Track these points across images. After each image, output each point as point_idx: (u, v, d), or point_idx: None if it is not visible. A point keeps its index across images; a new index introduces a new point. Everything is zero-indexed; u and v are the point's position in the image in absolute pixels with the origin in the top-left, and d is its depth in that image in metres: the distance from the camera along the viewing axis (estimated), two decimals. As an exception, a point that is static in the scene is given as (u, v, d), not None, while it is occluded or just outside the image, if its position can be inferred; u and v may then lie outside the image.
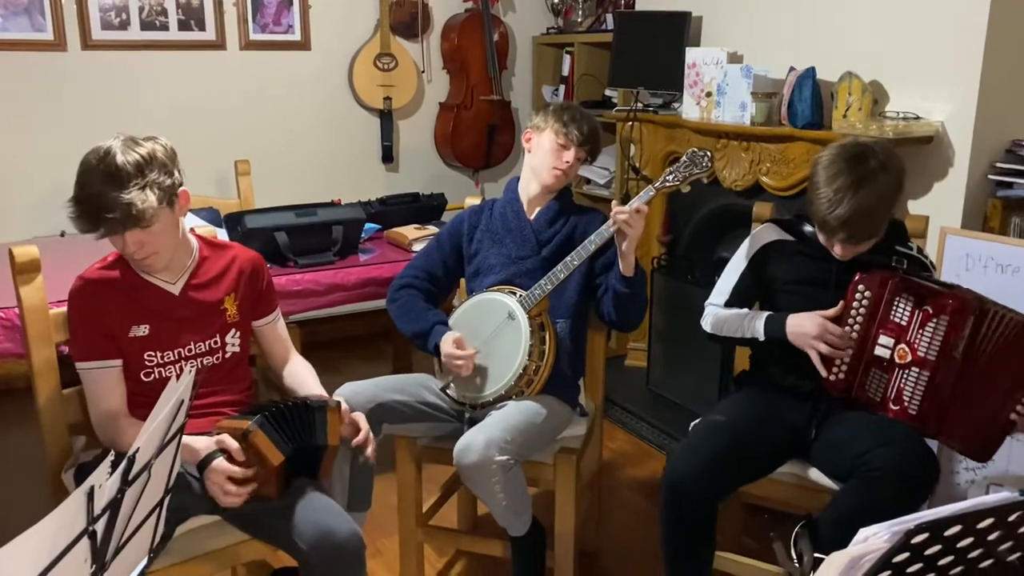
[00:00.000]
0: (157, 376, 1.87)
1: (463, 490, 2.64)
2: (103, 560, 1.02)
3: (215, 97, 4.04)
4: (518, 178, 2.40)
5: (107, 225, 1.70)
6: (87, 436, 1.94)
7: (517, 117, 4.74)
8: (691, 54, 3.37)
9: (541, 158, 2.28)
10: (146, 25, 3.82)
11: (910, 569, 1.03)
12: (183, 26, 3.91)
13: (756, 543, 2.45)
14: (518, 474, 2.06)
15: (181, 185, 1.80)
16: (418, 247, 3.00)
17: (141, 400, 1.84)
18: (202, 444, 1.72)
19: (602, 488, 2.72)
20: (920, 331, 1.89)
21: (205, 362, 1.91)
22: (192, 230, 1.98)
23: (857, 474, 1.83)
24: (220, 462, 1.69)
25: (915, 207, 2.76)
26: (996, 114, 2.63)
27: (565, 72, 4.66)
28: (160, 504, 1.27)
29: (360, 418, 1.92)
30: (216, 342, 1.93)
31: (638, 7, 3.97)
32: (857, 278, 1.95)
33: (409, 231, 3.15)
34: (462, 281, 2.46)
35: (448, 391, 2.22)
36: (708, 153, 2.21)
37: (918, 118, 2.72)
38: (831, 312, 1.97)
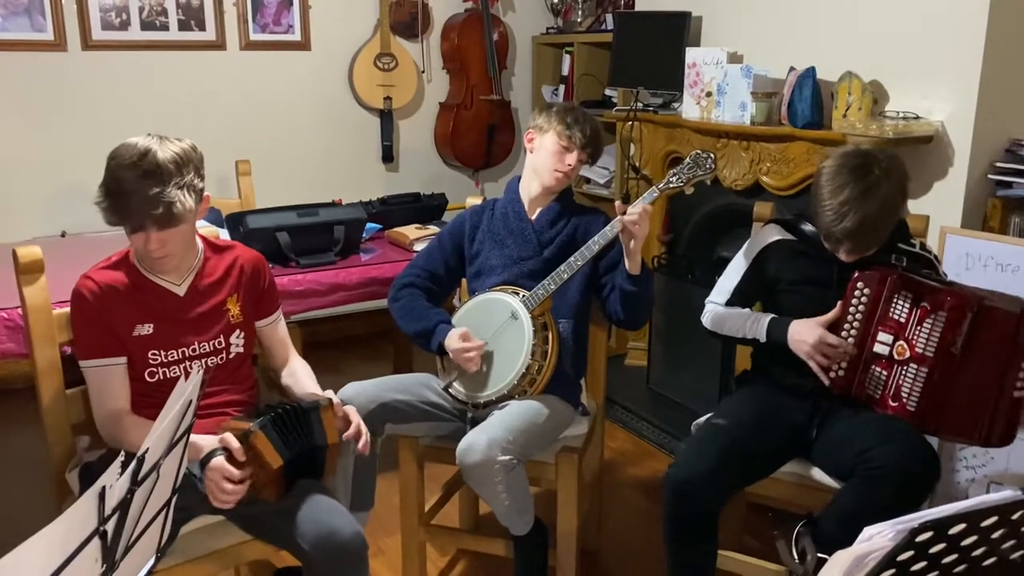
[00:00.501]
0: (162, 376, 1.87)
1: (465, 489, 2.65)
2: (113, 560, 1.02)
3: (215, 97, 4.04)
4: (519, 178, 2.40)
5: (140, 220, 1.71)
6: (91, 436, 1.94)
7: (517, 117, 4.75)
8: (691, 54, 3.38)
9: (543, 159, 2.28)
10: (146, 25, 3.83)
11: (914, 567, 1.03)
12: (183, 26, 3.91)
13: (758, 542, 2.46)
14: (520, 473, 2.06)
15: (204, 189, 1.82)
16: (419, 247, 3.00)
17: (146, 401, 1.85)
18: (206, 442, 1.72)
19: (603, 487, 2.73)
20: (918, 328, 1.90)
21: (209, 362, 1.92)
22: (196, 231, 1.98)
23: (858, 472, 1.84)
24: (219, 460, 1.70)
25: (915, 207, 2.77)
26: (996, 114, 2.63)
27: (565, 72, 4.67)
28: (168, 504, 1.28)
29: (352, 412, 1.92)
30: (220, 342, 1.94)
31: (638, 7, 3.98)
32: (856, 276, 1.97)
33: (410, 231, 3.16)
34: (463, 281, 2.47)
35: (451, 390, 2.23)
36: (712, 155, 2.21)
37: (918, 118, 2.73)
38: (831, 315, 1.98)
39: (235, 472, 1.69)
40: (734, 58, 3.28)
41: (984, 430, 1.91)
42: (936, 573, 1.06)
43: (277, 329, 2.10)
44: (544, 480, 2.27)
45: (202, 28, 3.95)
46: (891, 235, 2.03)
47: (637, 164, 3.74)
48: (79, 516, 0.93)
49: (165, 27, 3.87)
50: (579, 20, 4.57)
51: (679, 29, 3.55)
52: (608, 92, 4.30)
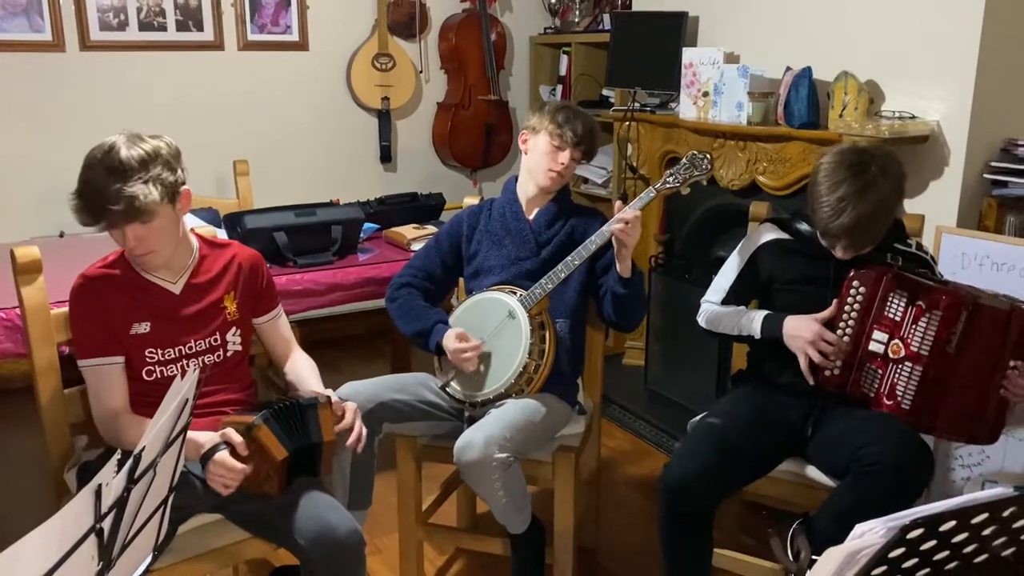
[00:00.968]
0: (159, 375, 1.88)
1: (463, 488, 2.65)
2: (110, 557, 1.03)
3: (213, 97, 4.05)
4: (516, 178, 2.41)
5: (109, 218, 1.71)
6: (89, 435, 1.95)
7: (515, 117, 4.75)
8: (688, 54, 3.38)
9: (537, 159, 2.29)
10: (144, 26, 3.83)
11: (906, 564, 1.04)
12: (181, 27, 3.91)
13: (755, 540, 2.46)
14: (518, 471, 2.07)
15: (184, 183, 1.82)
16: (417, 247, 3.01)
17: (144, 400, 1.85)
18: (205, 438, 1.73)
19: (600, 486, 2.74)
20: (914, 326, 1.91)
21: (206, 360, 1.92)
22: (192, 230, 1.99)
23: (853, 470, 1.85)
24: (223, 454, 1.71)
25: (911, 206, 2.78)
26: (991, 113, 2.64)
27: (562, 72, 4.67)
28: (165, 502, 1.28)
29: (351, 408, 1.93)
30: (216, 340, 1.94)
31: (635, 7, 3.98)
32: (852, 275, 1.97)
33: (408, 231, 3.16)
34: (460, 281, 2.48)
35: (448, 389, 2.24)
36: (708, 156, 2.22)
37: (914, 117, 2.73)
38: (826, 313, 1.99)
39: (239, 466, 1.70)
40: (730, 58, 3.28)
41: (971, 427, 1.92)
42: (927, 570, 1.07)
43: (278, 325, 2.11)
44: (541, 479, 2.28)
45: (200, 29, 3.95)
46: (887, 234, 2.04)
47: (634, 164, 3.74)
48: (75, 513, 0.93)
49: (163, 28, 3.87)
50: (576, 20, 4.58)
51: (676, 29, 3.55)
52: (605, 92, 4.30)
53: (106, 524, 0.99)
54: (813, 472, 2.05)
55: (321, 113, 4.33)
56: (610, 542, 2.72)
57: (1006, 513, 1.04)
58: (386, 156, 4.50)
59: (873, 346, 1.95)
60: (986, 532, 1.06)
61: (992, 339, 1.87)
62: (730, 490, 2.03)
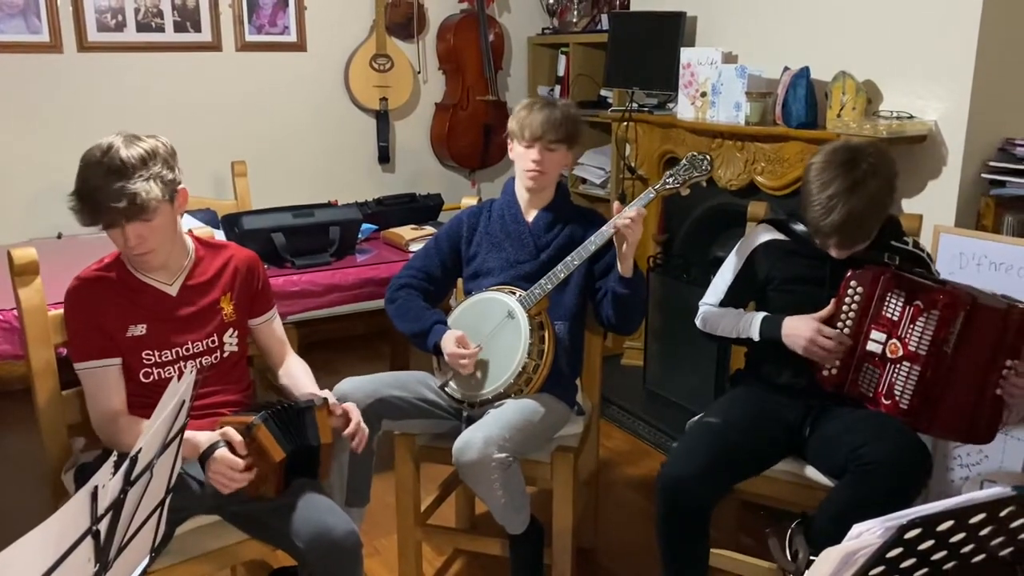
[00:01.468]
0: (156, 377, 1.88)
1: (461, 489, 2.65)
2: (106, 559, 1.03)
3: (211, 98, 4.04)
4: (515, 178, 2.41)
5: (110, 216, 1.71)
6: (86, 437, 1.95)
7: (513, 117, 4.74)
8: (686, 54, 3.38)
9: (517, 163, 2.30)
10: (142, 27, 3.83)
11: (903, 564, 1.04)
12: (179, 28, 3.91)
13: (753, 540, 2.46)
14: (517, 472, 2.07)
15: (181, 183, 1.82)
16: (415, 247, 3.01)
17: (141, 401, 1.85)
18: (204, 437, 1.73)
19: (599, 486, 2.74)
20: (912, 326, 1.91)
21: (203, 361, 1.92)
22: (189, 231, 1.99)
23: (851, 470, 1.85)
24: (223, 452, 1.71)
25: (909, 206, 2.78)
26: (989, 113, 2.64)
27: (560, 72, 4.67)
28: (162, 504, 1.28)
29: (352, 409, 1.93)
30: (214, 341, 1.94)
31: (633, 7, 3.98)
32: (849, 274, 1.97)
33: (406, 231, 3.16)
34: (459, 281, 2.47)
35: (447, 389, 2.23)
36: (708, 157, 2.22)
37: (911, 117, 2.74)
38: (824, 312, 1.99)
39: (239, 461, 1.70)
40: (728, 58, 3.28)
41: (967, 427, 1.92)
42: (925, 570, 1.07)
43: (273, 327, 2.10)
44: (540, 479, 2.27)
45: (198, 29, 3.95)
46: (884, 233, 2.04)
47: (633, 164, 3.74)
48: (71, 515, 0.93)
49: (161, 28, 3.87)
50: (574, 21, 4.57)
51: (674, 29, 3.55)
52: (604, 92, 4.30)
53: (102, 526, 0.99)
54: (811, 472, 2.05)
55: (319, 114, 4.32)
56: (609, 542, 2.72)
57: (1004, 513, 1.04)
58: (384, 157, 4.50)
59: (871, 346, 1.95)
60: (984, 532, 1.06)
61: (988, 338, 1.87)
62: (727, 489, 2.03)
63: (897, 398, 1.92)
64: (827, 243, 1.97)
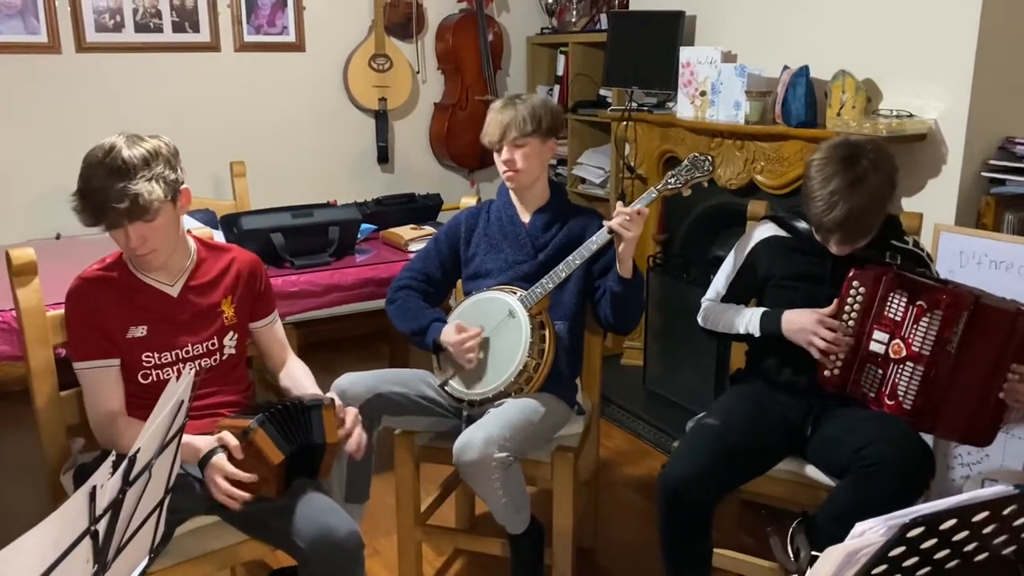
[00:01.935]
0: (155, 378, 1.87)
1: (461, 489, 2.65)
2: (105, 560, 1.02)
3: (210, 99, 4.04)
4: None
5: (113, 216, 1.71)
6: (85, 438, 1.94)
7: (512, 117, 4.74)
8: (685, 53, 3.38)
9: (497, 166, 2.30)
10: (140, 27, 3.82)
11: (906, 563, 1.03)
12: (177, 28, 3.90)
13: (754, 540, 2.46)
14: (517, 471, 2.07)
15: (183, 183, 1.82)
16: (414, 247, 3.00)
17: (139, 402, 1.85)
18: (203, 442, 1.73)
19: (599, 486, 2.73)
20: (915, 326, 1.90)
21: (203, 363, 1.92)
22: (189, 232, 1.98)
23: (853, 469, 1.85)
24: (219, 458, 1.70)
25: (909, 204, 2.78)
26: (989, 111, 2.64)
27: (560, 72, 4.66)
28: (160, 504, 1.28)
29: (350, 412, 1.92)
30: (214, 344, 1.94)
31: (632, 7, 3.98)
32: (852, 274, 1.97)
33: (405, 231, 3.16)
34: (459, 283, 2.47)
35: (447, 388, 2.23)
36: (710, 157, 2.22)
37: (911, 116, 2.73)
38: (827, 310, 1.98)
39: (235, 471, 1.70)
40: (728, 57, 3.28)
41: (968, 428, 1.91)
42: (928, 569, 1.06)
43: (274, 330, 2.10)
44: (540, 479, 2.27)
45: (196, 30, 3.94)
46: (885, 232, 2.04)
47: (632, 164, 3.74)
48: (70, 516, 0.93)
49: (159, 29, 3.86)
50: (573, 20, 4.57)
51: (673, 29, 3.55)
52: (603, 92, 4.30)
53: (101, 526, 0.99)
54: (812, 471, 2.04)
55: (318, 114, 4.32)
56: (609, 542, 2.72)
57: (1006, 511, 1.04)
58: (383, 157, 4.49)
59: (874, 346, 1.95)
60: (987, 530, 1.05)
61: (996, 340, 1.86)
62: (729, 488, 2.03)
63: (900, 398, 1.92)
64: (829, 239, 1.97)
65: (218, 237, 2.81)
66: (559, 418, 2.24)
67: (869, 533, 1.00)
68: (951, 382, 1.89)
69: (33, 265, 1.88)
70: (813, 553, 1.78)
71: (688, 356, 3.42)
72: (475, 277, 2.35)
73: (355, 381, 2.15)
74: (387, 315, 2.36)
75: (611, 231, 2.13)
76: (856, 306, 1.97)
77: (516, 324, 2.17)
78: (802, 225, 2.11)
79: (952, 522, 1.01)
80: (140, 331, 1.85)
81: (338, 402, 1.91)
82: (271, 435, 1.75)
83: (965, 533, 1.04)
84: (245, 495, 1.71)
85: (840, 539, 1.02)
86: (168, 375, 1.88)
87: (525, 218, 2.34)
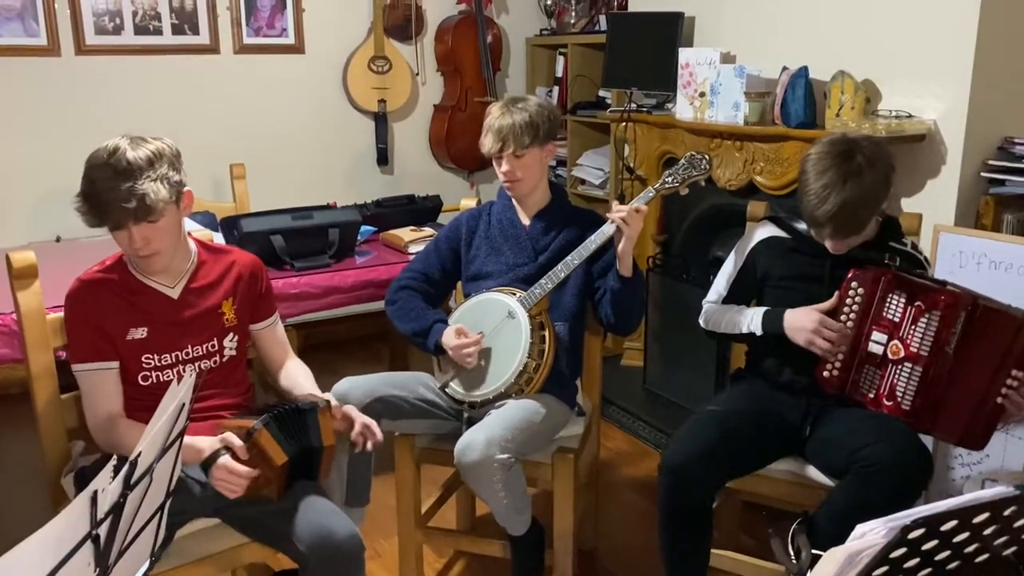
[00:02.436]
0: (155, 380, 1.87)
1: (462, 491, 2.65)
2: (106, 564, 1.02)
3: (209, 101, 4.04)
4: None
5: (117, 217, 1.71)
6: (86, 441, 1.94)
7: (511, 118, 4.74)
8: (684, 54, 3.38)
9: (496, 171, 2.30)
10: (140, 30, 3.82)
11: (907, 564, 1.03)
12: (177, 30, 3.91)
13: (754, 541, 2.46)
14: (519, 472, 2.07)
15: (186, 185, 1.82)
16: (414, 249, 3.01)
17: (139, 404, 1.85)
18: (206, 443, 1.72)
19: (600, 487, 2.73)
20: (913, 327, 1.90)
21: (203, 365, 1.92)
22: (190, 234, 1.99)
23: (852, 470, 1.85)
24: (226, 459, 1.70)
25: (908, 205, 2.78)
26: (988, 111, 2.64)
27: (559, 74, 4.67)
28: (162, 507, 1.28)
29: (353, 411, 1.92)
30: (214, 346, 1.94)
31: (631, 8, 3.98)
32: (851, 275, 1.97)
33: (405, 233, 3.16)
34: (459, 284, 2.47)
35: (447, 390, 2.23)
36: (707, 156, 2.22)
37: (910, 116, 2.74)
38: (826, 305, 1.99)
39: (242, 469, 1.70)
40: (727, 58, 3.28)
41: (964, 430, 1.91)
42: (929, 570, 1.06)
43: (275, 332, 2.10)
44: (540, 480, 2.27)
45: (196, 32, 3.95)
46: (883, 234, 2.04)
47: (631, 165, 3.74)
48: (71, 519, 0.93)
49: (159, 31, 3.87)
50: (572, 22, 4.57)
51: (672, 30, 3.56)
52: (602, 93, 4.30)
53: (102, 530, 0.99)
54: (812, 472, 2.05)
55: (317, 116, 4.32)
56: (609, 543, 2.72)
57: (1007, 512, 1.04)
58: (383, 158, 4.49)
59: (872, 347, 1.95)
60: (987, 531, 1.05)
61: (999, 344, 1.86)
62: (728, 475, 2.03)
63: (899, 399, 1.92)
64: (822, 233, 1.98)
65: (218, 239, 2.81)
66: (560, 419, 2.24)
67: (870, 534, 1.00)
68: (950, 383, 1.89)
69: (33, 268, 1.88)
70: (814, 553, 1.78)
71: (688, 357, 3.42)
72: (475, 279, 2.35)
73: (355, 385, 2.15)
74: (387, 316, 2.36)
75: (614, 228, 2.13)
76: (855, 307, 1.97)
77: (516, 325, 2.18)
78: (801, 226, 2.11)
79: (953, 523, 1.01)
80: (140, 333, 1.85)
81: (334, 403, 1.91)
82: (275, 436, 1.75)
83: (966, 534, 1.04)
84: (244, 483, 1.70)
85: (840, 539, 1.02)
86: (168, 377, 1.88)
87: (526, 221, 2.34)
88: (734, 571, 2.14)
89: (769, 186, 3.07)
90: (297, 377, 2.06)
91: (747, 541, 2.44)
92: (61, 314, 1.87)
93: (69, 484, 1.88)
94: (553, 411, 2.19)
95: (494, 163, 2.27)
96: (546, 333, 2.20)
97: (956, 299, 1.87)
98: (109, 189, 1.70)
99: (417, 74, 4.53)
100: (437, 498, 2.50)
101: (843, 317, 1.97)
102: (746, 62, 3.19)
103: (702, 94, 3.28)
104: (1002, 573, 1.13)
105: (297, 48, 4.21)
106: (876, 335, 1.95)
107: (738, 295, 2.22)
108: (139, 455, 1.07)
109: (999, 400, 1.87)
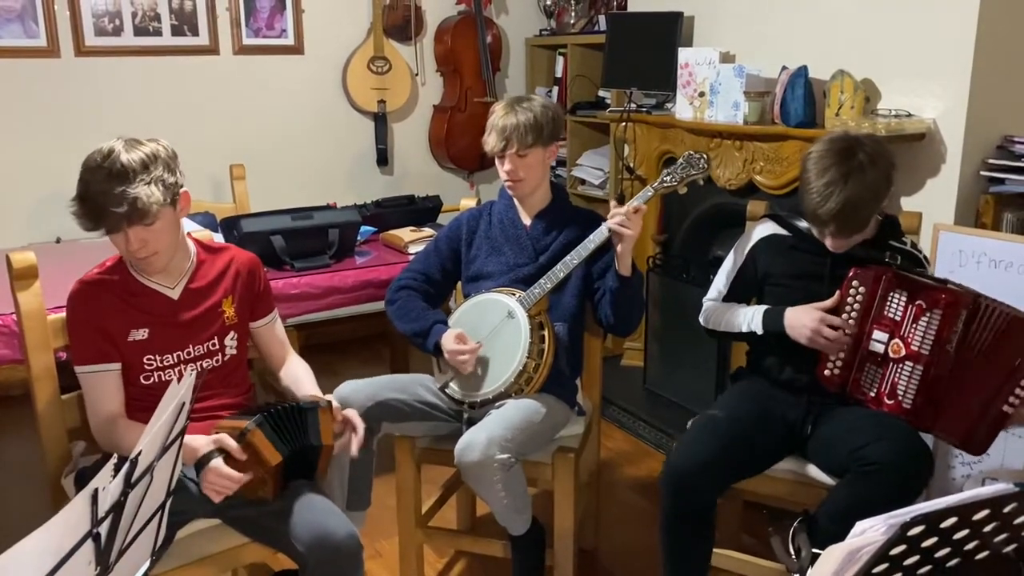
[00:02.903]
0: (156, 380, 1.87)
1: (462, 491, 2.65)
2: (107, 562, 1.02)
3: (209, 102, 4.04)
4: None
5: (112, 221, 1.71)
6: (86, 441, 1.94)
7: (511, 119, 4.74)
8: (684, 54, 3.38)
9: (498, 170, 2.30)
10: (139, 31, 3.83)
11: (907, 561, 1.04)
12: (176, 31, 3.91)
13: (755, 540, 2.46)
14: (519, 472, 2.07)
15: (183, 186, 1.82)
16: (414, 249, 3.01)
17: (140, 404, 1.85)
18: (201, 443, 1.72)
19: (600, 487, 2.73)
20: (914, 325, 1.90)
21: (204, 365, 1.92)
22: (189, 234, 1.99)
23: (853, 469, 1.85)
24: (217, 462, 1.70)
25: (908, 204, 2.78)
26: (987, 110, 2.64)
27: (558, 74, 4.67)
28: (162, 507, 1.28)
29: (352, 415, 1.92)
30: (215, 344, 1.94)
31: (630, 8, 3.98)
32: (852, 274, 1.97)
33: (405, 233, 3.16)
34: (459, 284, 2.47)
35: (447, 390, 2.23)
36: (705, 155, 2.23)
37: (910, 115, 2.74)
38: (827, 304, 1.99)
39: (233, 474, 1.70)
40: (726, 58, 3.28)
41: (966, 434, 1.91)
42: (929, 567, 1.06)
43: (274, 330, 2.10)
44: (541, 480, 2.27)
45: (195, 33, 3.95)
46: (884, 232, 2.04)
47: (631, 165, 3.74)
48: (72, 518, 0.93)
49: (158, 32, 3.87)
50: (572, 22, 4.58)
51: (671, 30, 3.56)
52: (602, 93, 4.30)
53: (103, 529, 0.99)
54: (813, 470, 2.05)
55: (317, 116, 4.32)
56: (610, 543, 2.72)
57: (1007, 509, 1.04)
58: (382, 159, 4.50)
59: (874, 345, 1.95)
60: (987, 528, 1.05)
61: (1013, 352, 1.84)
62: (731, 481, 2.03)
63: (900, 398, 1.92)
64: (824, 232, 1.98)
65: (218, 240, 2.81)
66: (560, 419, 2.24)
67: (870, 532, 1.00)
68: (951, 381, 1.89)
69: (34, 269, 1.88)
70: (814, 551, 1.78)
71: (688, 356, 3.42)
72: (475, 279, 2.35)
73: (355, 389, 2.15)
74: (387, 316, 2.36)
75: (610, 230, 2.13)
76: (856, 305, 1.97)
77: (515, 325, 2.18)
78: (802, 224, 2.11)
79: (952, 520, 1.01)
80: (142, 334, 1.85)
81: (335, 403, 1.92)
82: (268, 436, 1.75)
83: (965, 531, 1.04)
84: (233, 487, 1.70)
85: (840, 538, 1.02)
86: (170, 377, 1.88)
87: (527, 221, 2.34)
88: (735, 570, 2.14)
89: (769, 185, 3.07)
90: (298, 375, 2.06)
91: (748, 540, 2.44)
92: (61, 315, 1.87)
93: (70, 485, 1.88)
94: (553, 411, 2.19)
95: (496, 162, 2.28)
96: (545, 333, 2.20)
97: (957, 298, 1.87)
98: (103, 192, 1.70)
99: (417, 74, 4.53)
100: (437, 498, 2.50)
101: (844, 315, 1.97)
102: (745, 62, 3.19)
103: (701, 94, 3.28)
104: (1002, 570, 1.13)
105: (297, 49, 4.21)
106: (877, 334, 1.95)
107: (738, 293, 2.22)
108: (139, 454, 1.07)
109: (1006, 408, 1.87)
